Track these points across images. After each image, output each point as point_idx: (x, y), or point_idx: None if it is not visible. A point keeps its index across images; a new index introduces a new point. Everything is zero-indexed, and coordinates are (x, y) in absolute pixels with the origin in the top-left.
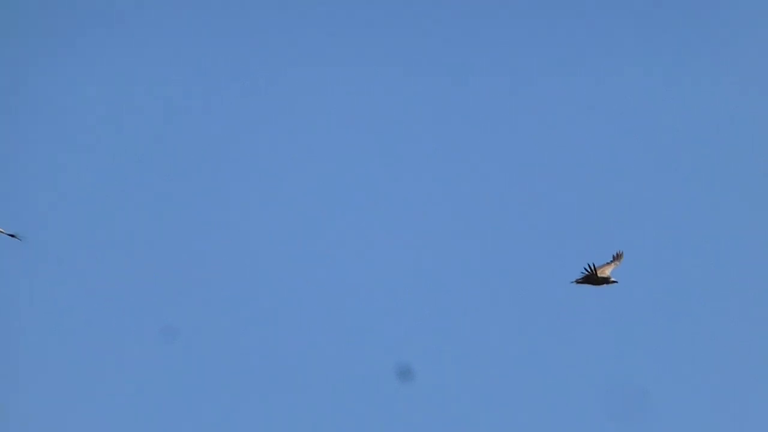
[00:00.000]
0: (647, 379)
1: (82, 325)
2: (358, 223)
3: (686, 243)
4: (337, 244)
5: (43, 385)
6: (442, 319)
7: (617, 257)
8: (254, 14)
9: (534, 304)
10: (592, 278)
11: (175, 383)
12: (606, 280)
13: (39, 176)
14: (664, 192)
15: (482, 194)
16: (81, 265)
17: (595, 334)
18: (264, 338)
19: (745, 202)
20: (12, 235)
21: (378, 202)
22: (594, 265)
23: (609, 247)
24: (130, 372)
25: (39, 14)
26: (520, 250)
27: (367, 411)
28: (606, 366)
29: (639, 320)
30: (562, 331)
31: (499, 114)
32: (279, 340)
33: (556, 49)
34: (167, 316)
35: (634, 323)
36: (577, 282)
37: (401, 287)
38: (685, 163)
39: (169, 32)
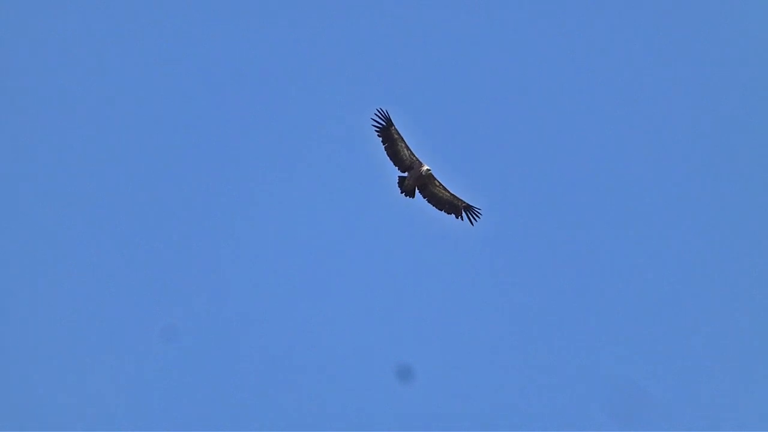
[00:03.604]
0: (647, 378)
1: (82, 325)
2: (358, 223)
3: (687, 242)
4: (337, 243)
5: (43, 384)
6: (441, 319)
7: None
8: (253, 15)
9: (533, 302)
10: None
11: (175, 383)
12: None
13: (38, 175)
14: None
15: (482, 198)
16: (80, 265)
17: (594, 334)
18: (264, 338)
19: (745, 203)
20: None
21: (378, 201)
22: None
23: (614, 242)
24: (130, 372)
25: (38, 13)
26: (518, 249)
27: (366, 411)
28: (605, 365)
29: (637, 318)
30: (561, 329)
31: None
32: (278, 340)
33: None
34: (167, 315)
35: (632, 321)
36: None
37: (401, 288)
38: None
39: (169, 32)
